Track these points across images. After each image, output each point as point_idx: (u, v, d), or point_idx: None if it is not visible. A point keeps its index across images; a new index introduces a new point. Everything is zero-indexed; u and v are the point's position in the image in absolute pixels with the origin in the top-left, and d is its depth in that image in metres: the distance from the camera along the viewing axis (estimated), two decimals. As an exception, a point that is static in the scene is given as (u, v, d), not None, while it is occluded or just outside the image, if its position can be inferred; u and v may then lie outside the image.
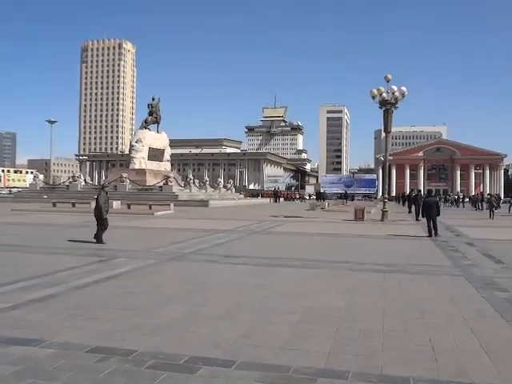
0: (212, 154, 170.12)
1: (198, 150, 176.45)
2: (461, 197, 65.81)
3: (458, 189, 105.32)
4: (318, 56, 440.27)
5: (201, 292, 7.77)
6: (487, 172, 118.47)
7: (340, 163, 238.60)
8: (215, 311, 6.54)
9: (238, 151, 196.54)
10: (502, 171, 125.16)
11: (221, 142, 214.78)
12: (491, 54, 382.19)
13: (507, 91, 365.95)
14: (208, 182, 55.65)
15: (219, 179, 67.91)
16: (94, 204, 15.23)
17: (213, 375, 4.29)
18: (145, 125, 53.61)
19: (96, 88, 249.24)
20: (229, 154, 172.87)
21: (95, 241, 13.89)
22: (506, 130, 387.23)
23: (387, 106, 26.44)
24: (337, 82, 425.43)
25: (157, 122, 54.29)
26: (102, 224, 14.22)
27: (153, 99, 54.85)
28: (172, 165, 62.52)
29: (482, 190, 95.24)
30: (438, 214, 18.06)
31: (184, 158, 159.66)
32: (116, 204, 35.46)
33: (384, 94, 26.17)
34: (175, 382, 4.12)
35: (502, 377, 4.36)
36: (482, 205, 49.83)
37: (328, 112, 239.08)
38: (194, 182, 52.07)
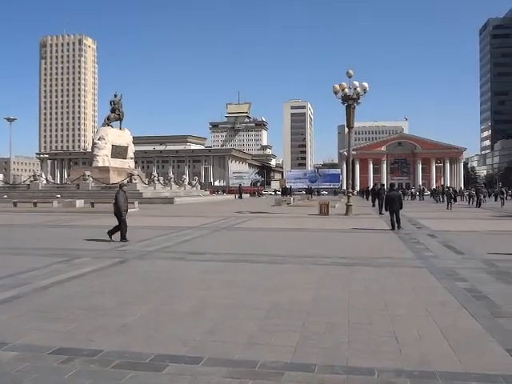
0: (176, 150, 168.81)
1: (162, 147, 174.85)
2: (422, 190, 67.09)
3: (420, 182, 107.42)
4: (281, 52, 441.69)
5: (167, 290, 7.72)
6: (447, 165, 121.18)
7: (304, 158, 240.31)
8: (181, 309, 6.51)
9: (203, 148, 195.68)
10: (462, 164, 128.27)
11: (185, 138, 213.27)
12: (451, 44, 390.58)
13: (464, 86, 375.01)
14: (173, 179, 55.32)
15: (184, 176, 67.51)
16: (111, 202, 15.51)
17: (180, 372, 4.27)
18: (107, 122, 52.80)
19: (56, 85, 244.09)
20: (193, 151, 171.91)
21: (117, 240, 14.01)
22: (465, 125, 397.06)
23: (349, 102, 26.73)
24: (300, 78, 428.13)
25: (119, 118, 53.54)
26: (119, 220, 14.37)
27: (115, 96, 54.07)
28: (136, 162, 61.76)
29: (442, 183, 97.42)
30: (401, 208, 18.39)
31: (148, 156, 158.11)
32: (79, 202, 34.92)
33: (346, 90, 26.45)
34: (142, 381, 4.09)
35: (463, 365, 4.48)
36: (442, 197, 50.96)
37: (292, 108, 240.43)
38: (158, 180, 51.62)
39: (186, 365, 4.45)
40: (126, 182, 45.17)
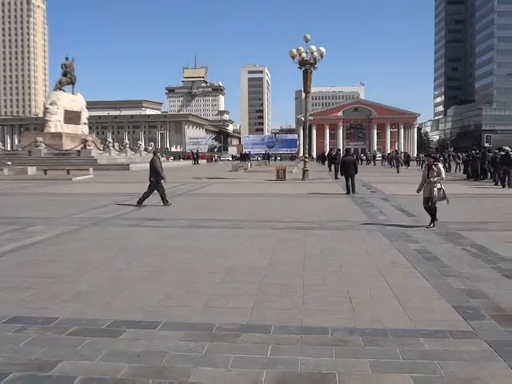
0: (132, 116, 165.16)
1: (116, 113, 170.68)
2: (376, 155, 68.25)
3: (375, 147, 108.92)
4: (238, 16, 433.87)
5: (123, 256, 7.67)
6: (402, 130, 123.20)
7: (262, 124, 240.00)
8: (138, 275, 6.50)
9: (159, 113, 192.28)
10: (416, 130, 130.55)
11: (140, 103, 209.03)
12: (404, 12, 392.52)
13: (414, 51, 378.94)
14: (128, 145, 54.37)
15: (140, 142, 66.34)
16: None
17: (137, 337, 4.29)
18: (59, 86, 50.96)
19: (4, 47, 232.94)
20: (149, 116, 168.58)
21: (139, 204, 14.40)
22: (420, 91, 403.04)
23: (306, 67, 26.65)
24: (258, 42, 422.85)
25: (72, 82, 51.78)
26: (156, 187, 14.64)
27: (66, 59, 52.09)
28: (90, 128, 60.30)
29: (397, 148, 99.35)
30: (356, 172, 18.69)
31: (102, 121, 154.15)
32: (31, 170, 33.96)
33: (303, 54, 26.31)
34: (98, 347, 4.09)
35: (413, 322, 4.67)
36: (396, 162, 52.06)
37: (249, 72, 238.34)
38: (113, 146, 50.61)
39: (142, 330, 4.48)
40: (80, 147, 44.19)
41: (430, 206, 10.23)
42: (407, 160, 52.58)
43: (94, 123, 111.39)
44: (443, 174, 10.20)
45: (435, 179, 10.07)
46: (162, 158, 63.61)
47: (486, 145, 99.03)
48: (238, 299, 5.39)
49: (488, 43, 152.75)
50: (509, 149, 24.04)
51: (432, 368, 3.70)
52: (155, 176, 14.76)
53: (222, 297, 5.48)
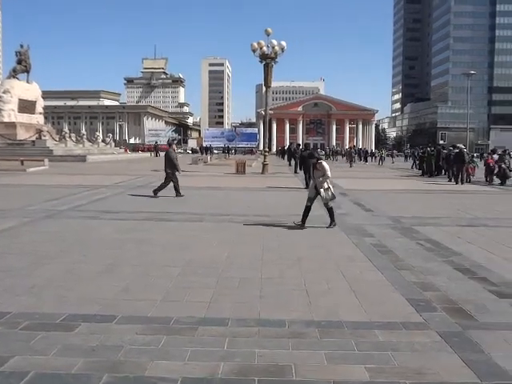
0: (89, 106, 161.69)
1: (73, 103, 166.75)
2: (336, 150, 69.09)
3: (334, 142, 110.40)
4: (199, 7, 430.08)
5: (79, 249, 7.53)
6: (360, 126, 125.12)
7: (222, 117, 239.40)
8: (94, 268, 6.39)
9: (117, 104, 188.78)
10: (374, 126, 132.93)
11: (98, 93, 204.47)
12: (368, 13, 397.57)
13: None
14: (85, 136, 53.25)
15: (97, 133, 65.28)
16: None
17: (92, 331, 4.23)
18: (13, 74, 49.33)
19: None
20: (107, 107, 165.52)
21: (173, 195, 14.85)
22: (379, 87, 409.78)
23: (267, 61, 26.69)
24: (219, 35, 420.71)
25: (26, 71, 50.21)
26: (172, 179, 15.02)
27: (21, 46, 50.44)
28: (46, 118, 58.56)
29: (355, 144, 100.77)
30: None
31: (59, 111, 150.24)
32: (-18, 160, 32.83)
33: (264, 48, 26.33)
34: (53, 342, 4.00)
35: (368, 314, 4.77)
36: (349, 157, 52.90)
37: (210, 65, 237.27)
38: (70, 136, 49.38)
39: (98, 323, 4.42)
40: (35, 138, 43.03)
41: (325, 206, 9.90)
42: (365, 156, 53.53)
43: (49, 113, 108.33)
44: (328, 173, 9.61)
45: (320, 179, 9.61)
46: (120, 150, 62.98)
47: (441, 142, 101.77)
48: (196, 292, 5.38)
49: (444, 43, 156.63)
50: (462, 146, 24.76)
51: (385, 359, 3.79)
52: (171, 167, 15.08)
53: (180, 290, 5.46)
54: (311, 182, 10.34)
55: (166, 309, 4.83)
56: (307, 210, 9.76)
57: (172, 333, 4.22)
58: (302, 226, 9.65)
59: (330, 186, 9.74)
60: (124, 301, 5.08)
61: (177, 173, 15.25)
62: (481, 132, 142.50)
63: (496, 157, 23.98)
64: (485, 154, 29.43)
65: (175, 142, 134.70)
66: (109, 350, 3.86)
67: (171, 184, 14.98)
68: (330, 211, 9.86)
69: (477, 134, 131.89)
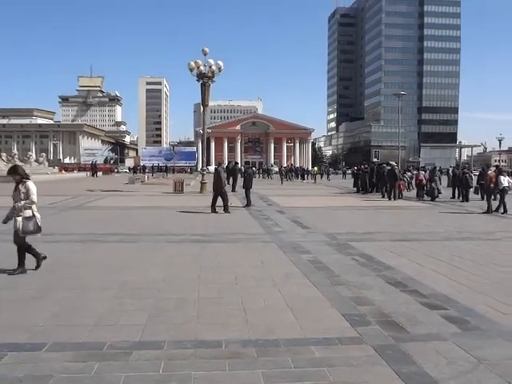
0: (21, 125, 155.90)
1: (4, 121, 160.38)
2: (271, 169, 69.72)
3: (272, 161, 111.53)
4: (136, 27, 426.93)
5: (9, 274, 7.18)
6: (297, 145, 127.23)
7: (160, 136, 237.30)
8: (25, 293, 6.12)
9: (52, 122, 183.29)
10: (310, 144, 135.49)
11: (31, 112, 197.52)
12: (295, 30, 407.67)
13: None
14: (17, 156, 51.29)
15: (30, 152, 62.82)
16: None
17: (20, 361, 4.03)
18: None
19: None
20: (40, 125, 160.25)
21: (224, 212, 16.23)
22: (315, 107, 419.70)
23: (204, 80, 26.78)
24: (157, 54, 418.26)
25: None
26: (222, 196, 16.53)
27: None
28: (-27, 136, 56.07)
29: (292, 162, 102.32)
30: (250, 186, 19.07)
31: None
32: None
33: (201, 67, 26.42)
34: (-25, 373, 3.79)
35: (304, 331, 4.81)
36: (291, 175, 53.78)
37: (147, 83, 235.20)
38: (0, 156, 47.50)
39: (27, 352, 4.21)
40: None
41: (15, 243, 7.38)
42: (302, 173, 54.46)
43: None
44: (34, 197, 7.32)
45: (22, 204, 7.21)
46: (54, 170, 61.02)
47: (375, 159, 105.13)
48: (131, 315, 5.25)
49: (376, 64, 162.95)
50: (394, 164, 25.68)
51: (322, 375, 3.82)
52: (219, 185, 16.57)
53: (115, 313, 5.31)
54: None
55: (99, 334, 4.68)
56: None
57: (105, 359, 4.08)
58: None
59: (37, 215, 7.43)
60: (55, 327, 4.88)
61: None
62: (412, 150, 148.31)
63: (423, 173, 25.02)
64: (410, 173, 30.55)
65: (112, 161, 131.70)
66: (37, 380, 3.68)
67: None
68: (22, 252, 7.38)
69: (408, 152, 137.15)
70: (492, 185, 17.04)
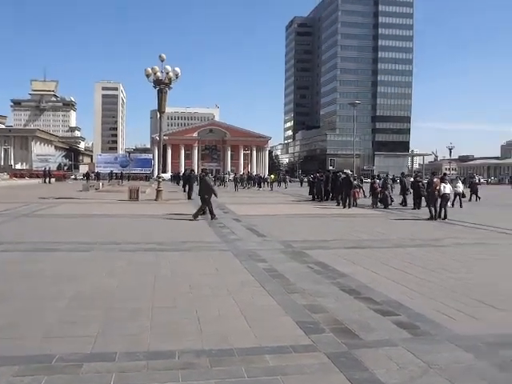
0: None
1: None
2: (229, 176, 69.82)
3: (229, 168, 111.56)
4: (93, 30, 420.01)
5: (-48, 285, 6.90)
6: (254, 153, 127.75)
7: (116, 142, 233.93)
8: (-31, 305, 5.89)
9: (3, 127, 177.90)
10: (267, 152, 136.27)
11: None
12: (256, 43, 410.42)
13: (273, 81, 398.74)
14: (-36, 162, 49.56)
15: (-21, 158, 60.80)
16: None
17: (-38, 377, 3.87)
18: None
19: None
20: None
21: (210, 217, 16.54)
22: (272, 115, 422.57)
23: (161, 86, 26.59)
24: (114, 59, 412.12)
25: None
26: (208, 204, 16.72)
27: None
28: None
29: (249, 170, 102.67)
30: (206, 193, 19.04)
31: None
32: None
33: (158, 74, 26.23)
34: None
35: (258, 339, 4.81)
36: (247, 183, 53.96)
37: (103, 89, 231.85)
38: None
39: (-31, 368, 4.05)
40: None
41: None
42: (259, 181, 54.67)
43: None
44: None
45: None
46: (5, 176, 59.24)
47: (330, 168, 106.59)
48: (83, 326, 5.12)
49: (332, 74, 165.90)
50: (349, 172, 26.12)
51: (275, 383, 3.83)
52: (208, 192, 16.78)
53: (65, 324, 5.18)
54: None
55: (48, 346, 4.54)
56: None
57: (54, 372, 3.97)
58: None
59: None
60: (1, 340, 4.70)
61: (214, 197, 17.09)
62: (366, 158, 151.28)
63: (378, 181, 25.54)
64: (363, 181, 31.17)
65: (66, 167, 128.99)
66: (-19, 396, 3.55)
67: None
68: None
69: (363, 160, 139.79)
70: (436, 192, 17.74)
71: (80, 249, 10.26)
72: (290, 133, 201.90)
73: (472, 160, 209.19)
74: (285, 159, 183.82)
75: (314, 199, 29.59)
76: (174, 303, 6.07)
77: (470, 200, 29.18)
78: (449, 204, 17.98)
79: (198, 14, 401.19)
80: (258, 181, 54.64)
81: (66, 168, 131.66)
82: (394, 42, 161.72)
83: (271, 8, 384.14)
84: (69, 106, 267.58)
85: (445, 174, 22.01)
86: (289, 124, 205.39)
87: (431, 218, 17.54)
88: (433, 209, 17.66)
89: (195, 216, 16.46)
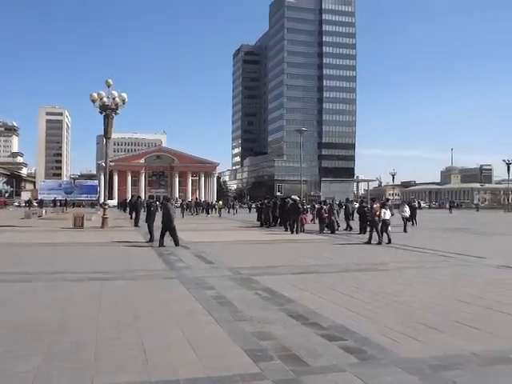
0: None
1: None
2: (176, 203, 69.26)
3: (177, 195, 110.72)
4: (36, 54, 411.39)
5: None
6: (203, 179, 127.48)
7: (60, 168, 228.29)
8: None
9: None
10: (215, 178, 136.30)
11: None
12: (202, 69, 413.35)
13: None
14: None
15: None
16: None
17: None
18: None
19: None
20: None
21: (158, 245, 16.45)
22: (220, 141, 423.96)
23: (107, 112, 26.32)
24: (59, 84, 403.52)
25: None
26: (170, 229, 16.61)
27: None
28: None
29: (197, 196, 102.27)
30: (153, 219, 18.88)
31: None
32: None
33: (105, 99, 25.98)
34: None
35: (206, 369, 4.74)
36: (196, 210, 53.71)
37: (47, 114, 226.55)
38: None
39: None
40: None
41: None
42: (207, 207, 54.52)
43: None
44: None
45: None
46: None
47: (278, 193, 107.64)
48: (22, 360, 4.91)
49: (279, 101, 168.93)
50: (297, 198, 26.44)
51: (222, 414, 3.78)
52: (168, 220, 16.56)
53: (4, 359, 4.95)
54: None
55: (-16, 383, 4.33)
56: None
57: (-10, 410, 3.78)
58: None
59: None
60: None
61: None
62: (313, 184, 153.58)
63: (325, 207, 25.95)
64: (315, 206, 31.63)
65: (7, 194, 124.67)
66: None
67: None
68: None
69: (309, 186, 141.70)
70: (376, 217, 18.22)
71: (21, 279, 9.89)
72: (238, 159, 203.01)
73: (414, 185, 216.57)
74: (233, 185, 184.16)
75: (262, 225, 29.69)
76: (118, 335, 5.91)
77: (413, 224, 30.07)
78: (390, 229, 18.42)
79: (146, 40, 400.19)
80: (207, 207, 54.43)
81: (7, 195, 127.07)
82: (338, 71, 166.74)
83: (218, 35, 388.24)
84: (11, 130, 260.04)
85: (387, 200, 22.64)
86: (237, 150, 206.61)
87: (370, 241, 18.09)
88: (375, 233, 18.11)
89: (160, 243, 16.49)
